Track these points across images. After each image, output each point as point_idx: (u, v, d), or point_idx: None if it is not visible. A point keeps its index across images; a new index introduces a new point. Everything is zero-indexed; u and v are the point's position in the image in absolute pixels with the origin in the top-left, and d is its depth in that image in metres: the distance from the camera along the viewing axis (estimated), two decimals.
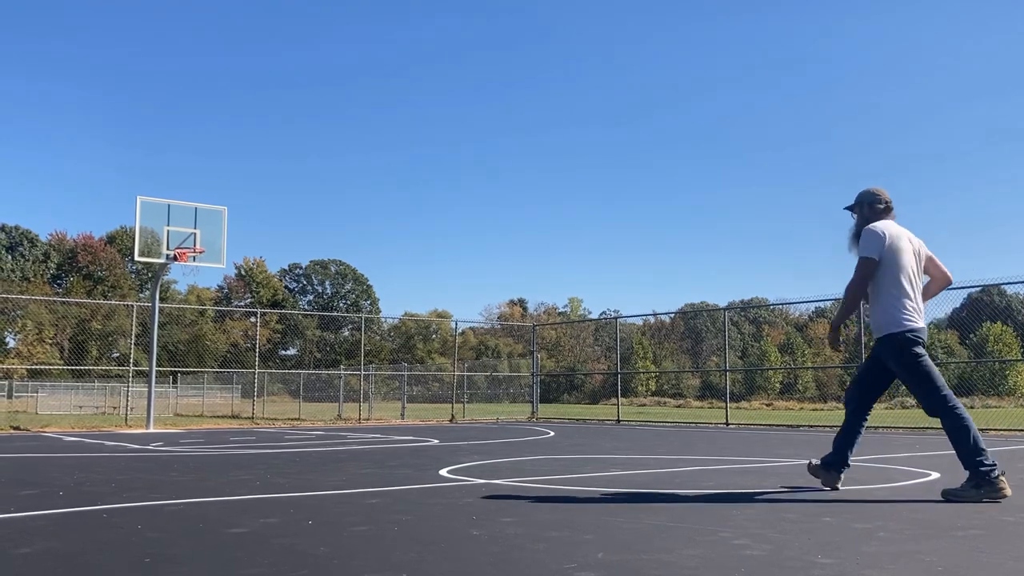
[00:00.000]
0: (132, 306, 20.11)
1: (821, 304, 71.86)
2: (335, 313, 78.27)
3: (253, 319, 66.13)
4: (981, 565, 2.99)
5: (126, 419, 17.58)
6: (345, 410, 25.69)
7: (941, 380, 5.02)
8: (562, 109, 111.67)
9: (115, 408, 28.71)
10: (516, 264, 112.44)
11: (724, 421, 18.77)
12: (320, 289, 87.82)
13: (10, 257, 70.20)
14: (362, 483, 5.75)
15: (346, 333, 79.69)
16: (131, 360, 18.90)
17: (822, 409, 38.62)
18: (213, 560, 3.06)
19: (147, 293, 64.18)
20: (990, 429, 15.15)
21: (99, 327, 58.18)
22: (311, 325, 77.50)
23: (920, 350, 5.07)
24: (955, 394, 5.01)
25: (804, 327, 73.76)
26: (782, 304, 51.51)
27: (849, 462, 5.35)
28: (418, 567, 2.93)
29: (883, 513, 4.27)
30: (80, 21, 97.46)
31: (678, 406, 46.18)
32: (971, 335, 54.76)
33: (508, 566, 2.96)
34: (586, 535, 3.59)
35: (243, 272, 79.96)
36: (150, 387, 15.69)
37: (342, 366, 51.77)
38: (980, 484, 4.76)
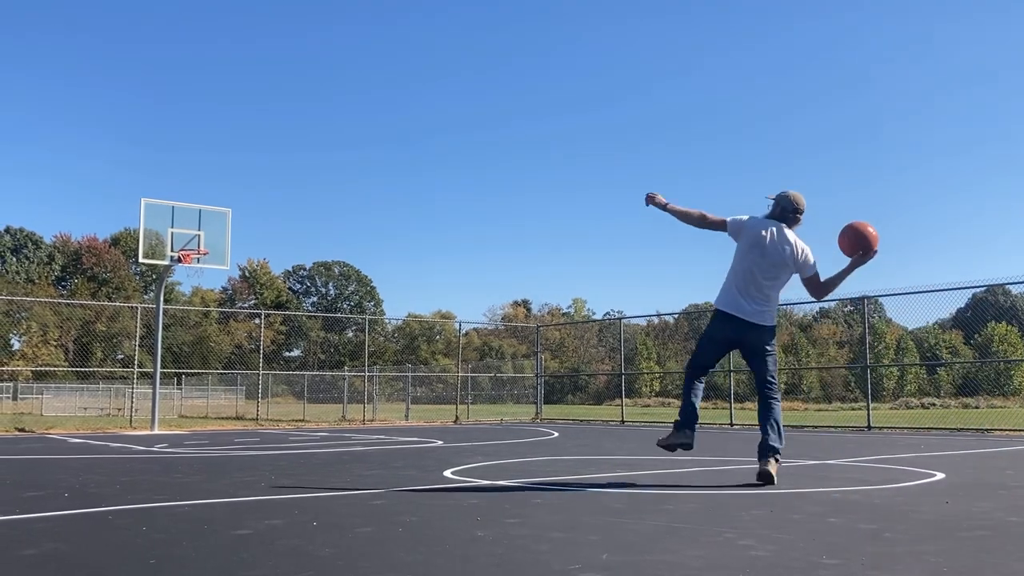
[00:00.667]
0: (136, 308, 20.14)
1: (825, 304, 71.92)
2: (339, 314, 78.32)
3: (257, 320, 66.15)
4: (987, 566, 2.98)
5: (131, 421, 17.60)
6: (349, 411, 25.72)
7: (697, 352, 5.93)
8: (564, 109, 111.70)
9: (120, 410, 28.75)
10: (519, 265, 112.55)
11: (728, 422, 18.77)
12: (324, 290, 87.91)
13: (15, 259, 70.36)
14: (367, 484, 5.75)
15: (350, 334, 79.75)
16: (135, 362, 18.90)
17: (826, 409, 38.55)
18: (218, 562, 3.06)
19: (151, 295, 64.34)
20: (995, 429, 15.10)
21: (103, 329, 58.28)
22: (315, 326, 77.56)
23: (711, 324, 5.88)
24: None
25: (808, 327, 73.67)
26: (786, 305, 51.26)
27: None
28: (423, 568, 2.93)
29: (888, 514, 4.26)
30: (81, 22, 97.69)
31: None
32: (976, 335, 54.67)
33: (512, 567, 2.96)
34: (591, 536, 3.59)
35: (247, 274, 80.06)
36: (154, 389, 15.71)
37: (346, 367, 51.83)
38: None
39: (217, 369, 53.16)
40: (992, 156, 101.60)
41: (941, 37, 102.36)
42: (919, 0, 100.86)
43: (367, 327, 28.75)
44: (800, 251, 5.72)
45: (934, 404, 37.13)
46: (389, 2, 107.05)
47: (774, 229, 5.69)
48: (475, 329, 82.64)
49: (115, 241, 73.13)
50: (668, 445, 5.98)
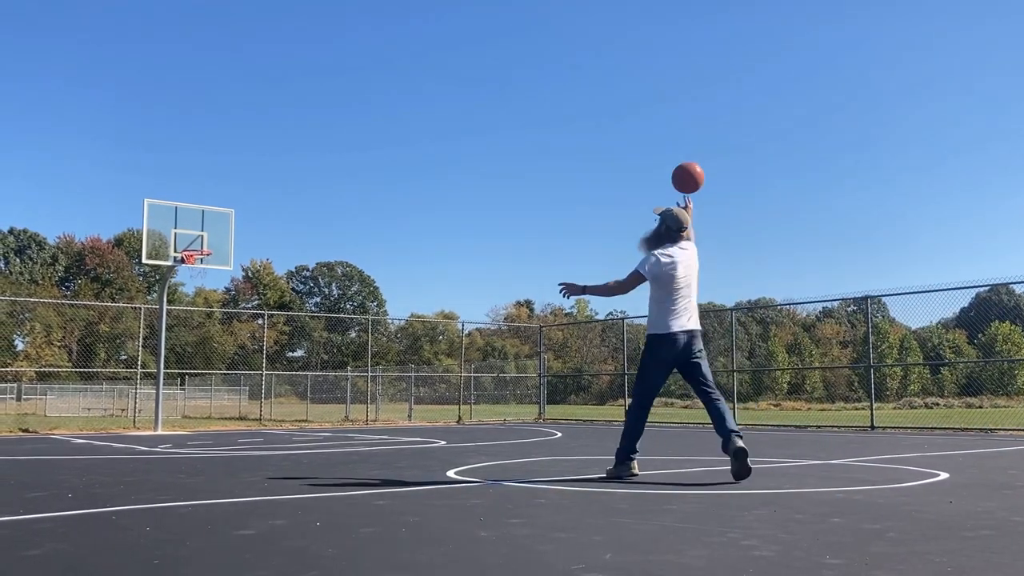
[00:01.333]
0: (140, 308, 20.19)
1: (828, 304, 71.86)
2: (342, 315, 78.36)
3: (260, 321, 66.24)
4: (991, 566, 2.98)
5: (134, 421, 17.63)
6: (352, 411, 25.73)
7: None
8: (565, 108, 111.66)
9: (123, 410, 28.77)
10: (522, 265, 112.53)
11: None
12: (327, 291, 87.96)
13: (18, 260, 70.48)
14: (370, 484, 5.75)
15: (353, 335, 79.81)
16: (139, 362, 18.95)
17: (830, 409, 38.49)
18: (222, 562, 3.06)
19: (155, 295, 64.39)
20: (999, 429, 15.07)
21: (107, 329, 58.38)
22: (318, 327, 77.61)
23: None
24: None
25: (812, 327, 73.60)
26: (789, 304, 51.56)
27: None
28: (426, 569, 2.93)
29: (892, 513, 4.25)
30: (83, 23, 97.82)
31: (685, 407, 46.06)
32: (980, 335, 54.56)
33: (516, 567, 2.96)
34: (594, 536, 3.59)
35: (250, 274, 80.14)
36: (158, 389, 15.73)
37: (349, 368, 51.81)
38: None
39: (220, 370, 53.22)
40: (995, 155, 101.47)
41: (943, 36, 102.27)
42: (920, 0, 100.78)
43: (370, 327, 28.79)
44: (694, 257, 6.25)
45: (938, 404, 37.05)
46: (392, 5, 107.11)
47: (672, 252, 6.09)
48: (478, 329, 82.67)
49: (118, 242, 73.23)
50: (618, 477, 6.10)
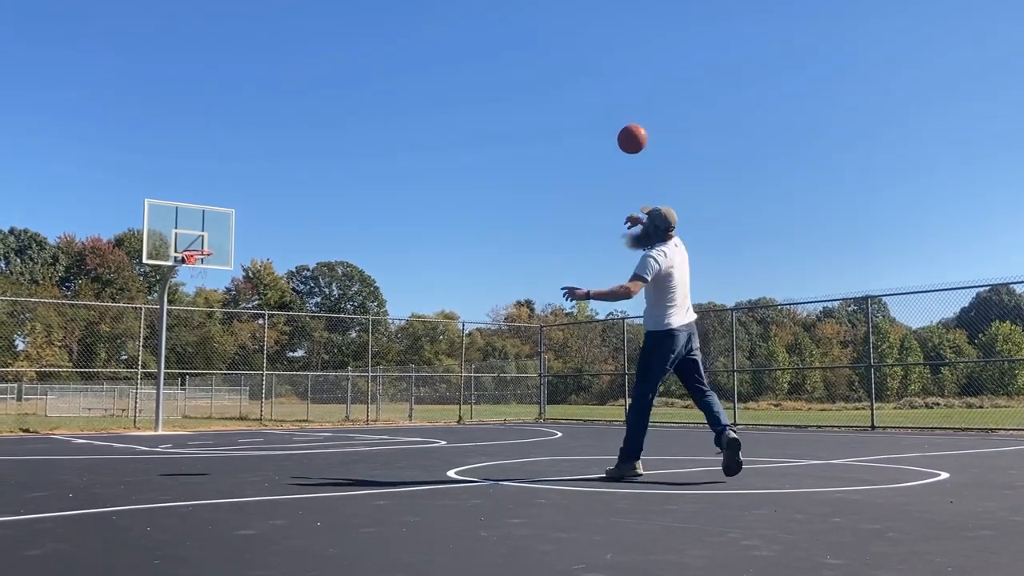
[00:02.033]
0: (140, 308, 20.20)
1: (829, 304, 71.81)
2: (342, 315, 78.36)
3: (261, 321, 66.25)
4: (991, 566, 2.98)
5: (135, 421, 17.63)
6: (353, 411, 25.74)
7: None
8: (567, 107, 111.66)
9: (124, 410, 28.77)
10: (523, 265, 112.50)
11: (732, 422, 18.74)
12: (327, 291, 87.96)
13: (19, 260, 70.49)
14: (370, 484, 5.75)
15: (353, 335, 79.80)
16: (139, 362, 18.95)
17: (830, 409, 38.47)
18: (222, 562, 3.07)
19: (155, 295, 64.34)
20: (999, 429, 15.07)
21: (107, 329, 58.37)
22: (319, 327, 77.62)
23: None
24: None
25: (812, 327, 73.58)
26: (790, 304, 51.47)
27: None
28: (427, 568, 2.93)
29: (892, 513, 4.25)
30: (84, 23, 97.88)
31: (686, 407, 46.04)
32: (980, 334, 54.53)
33: (516, 567, 2.96)
34: (594, 536, 3.59)
35: (251, 274, 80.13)
36: (158, 389, 15.73)
37: (350, 368, 51.84)
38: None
39: (221, 370, 53.22)
40: (996, 155, 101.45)
41: (945, 37, 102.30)
42: (920, 1, 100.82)
43: (371, 327, 28.81)
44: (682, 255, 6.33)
45: (938, 404, 37.03)
46: (394, 8, 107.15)
47: (666, 249, 6.15)
48: (478, 329, 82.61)
49: (119, 242, 73.23)
50: (619, 477, 6.12)
